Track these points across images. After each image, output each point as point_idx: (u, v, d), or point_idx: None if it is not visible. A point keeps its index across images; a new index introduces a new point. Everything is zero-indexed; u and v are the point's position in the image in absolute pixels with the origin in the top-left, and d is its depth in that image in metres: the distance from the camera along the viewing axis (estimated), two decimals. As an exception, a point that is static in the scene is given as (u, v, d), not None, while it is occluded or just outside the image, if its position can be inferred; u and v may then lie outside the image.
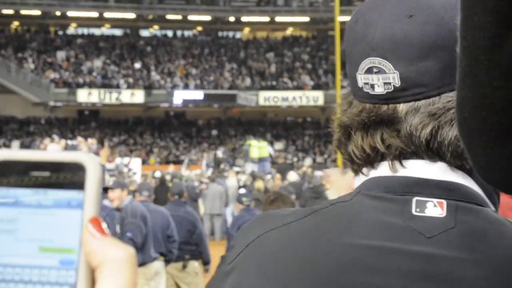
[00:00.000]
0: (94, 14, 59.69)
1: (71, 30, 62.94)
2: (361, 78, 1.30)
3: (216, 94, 54.92)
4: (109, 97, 52.99)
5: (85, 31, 62.97)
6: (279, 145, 51.12)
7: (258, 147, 32.39)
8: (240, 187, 22.51)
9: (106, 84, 54.33)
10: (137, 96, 53.66)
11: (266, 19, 62.83)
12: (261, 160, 32.10)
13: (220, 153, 40.97)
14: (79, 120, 57.02)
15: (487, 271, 1.13)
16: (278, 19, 62.58)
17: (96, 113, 57.71)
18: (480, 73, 0.85)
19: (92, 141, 34.19)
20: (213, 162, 35.52)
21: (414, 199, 1.22)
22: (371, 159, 1.31)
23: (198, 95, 54.44)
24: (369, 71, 1.29)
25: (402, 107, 1.26)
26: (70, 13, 59.23)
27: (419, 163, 1.26)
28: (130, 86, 54.55)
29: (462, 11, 0.87)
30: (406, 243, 1.18)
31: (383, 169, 1.29)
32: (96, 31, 63.16)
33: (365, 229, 1.21)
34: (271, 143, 43.19)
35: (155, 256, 10.39)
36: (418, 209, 1.21)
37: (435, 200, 1.22)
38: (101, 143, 43.85)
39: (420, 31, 1.24)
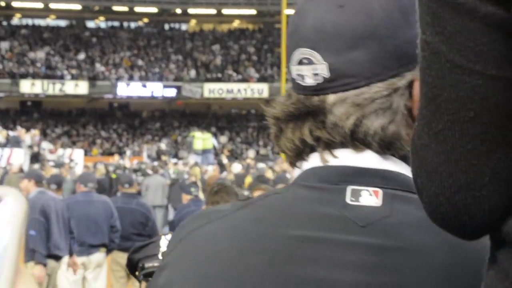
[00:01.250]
0: (39, 4, 59.04)
1: (16, 20, 62.18)
2: (294, 69, 1.29)
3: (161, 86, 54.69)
4: (53, 88, 52.43)
5: (29, 21, 62.19)
6: (223, 138, 51.16)
7: (202, 139, 32.34)
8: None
9: (50, 75, 53.76)
10: (81, 87, 53.18)
11: (212, 11, 62.68)
12: (204, 152, 32.05)
13: (163, 145, 40.91)
14: (21, 111, 56.37)
15: (422, 260, 1.14)
16: (225, 11, 62.44)
17: (39, 104, 57.10)
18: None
19: (35, 132, 33.89)
20: (155, 154, 35.42)
21: (349, 188, 1.21)
22: (302, 151, 1.29)
23: (143, 86, 54.17)
24: (300, 62, 1.27)
25: (331, 98, 1.24)
26: (15, 4, 58.54)
27: (348, 153, 1.25)
28: (74, 77, 54.05)
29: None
30: (340, 233, 1.17)
31: (315, 161, 1.28)
32: (41, 22, 62.45)
33: (299, 220, 1.20)
34: (215, 135, 43.13)
35: (78, 249, 10.27)
36: (353, 198, 1.20)
37: (370, 189, 1.21)
38: (43, 134, 43.48)
39: (349, 21, 1.23)
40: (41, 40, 58.95)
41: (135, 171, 25.47)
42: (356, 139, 1.23)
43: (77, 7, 59.93)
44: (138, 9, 61.38)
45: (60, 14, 61.89)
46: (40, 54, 56.34)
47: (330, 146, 1.26)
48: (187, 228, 1.30)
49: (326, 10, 1.25)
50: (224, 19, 64.43)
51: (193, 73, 57.39)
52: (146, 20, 64.73)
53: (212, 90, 54.64)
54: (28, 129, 37.67)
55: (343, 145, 1.25)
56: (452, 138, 0.95)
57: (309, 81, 1.26)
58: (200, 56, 60.17)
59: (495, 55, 0.92)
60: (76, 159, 31.22)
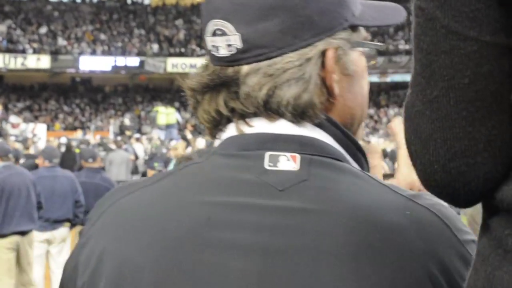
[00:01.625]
0: (-1, -23, 58.22)
1: (-25, -7, 61.31)
2: (209, 41, 1.30)
3: (124, 60, 54.31)
4: (14, 62, 51.78)
5: (-11, -6, 61.37)
6: (187, 114, 50.99)
7: (166, 114, 32.15)
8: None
9: (11, 48, 53.08)
10: (43, 61, 52.56)
11: (175, -15, 62.27)
12: (168, 127, 31.90)
13: (127, 120, 40.63)
14: (-18, 85, 55.73)
15: (337, 222, 1.15)
16: (188, -15, 62.10)
17: (1, 78, 56.43)
18: None
19: (-4, 106, 33.49)
20: (119, 129, 35.19)
21: (267, 153, 1.23)
22: (219, 122, 1.32)
23: (106, 61, 53.80)
24: (214, 33, 1.28)
25: (244, 69, 1.26)
26: (-26, -25, 57.66)
27: (263, 122, 1.27)
28: (36, 51, 53.45)
29: None
30: (258, 197, 1.19)
31: (231, 131, 1.30)
32: (1, -5, 61.66)
33: (218, 186, 1.22)
34: (179, 110, 42.97)
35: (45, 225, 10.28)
36: (271, 164, 1.22)
37: (288, 154, 1.23)
38: (5, 108, 43.01)
39: None
40: (2, 14, 58.17)
41: (99, 145, 25.32)
42: (269, 109, 1.25)
43: (38, -20, 59.17)
44: (100, -18, 60.74)
45: (21, -14, 61.10)
46: (1, 28, 55.61)
47: (244, 116, 1.28)
48: (106, 202, 1.31)
49: None
50: (187, -7, 64.07)
51: (156, 47, 57.03)
52: (108, -7, 64.13)
53: (176, 64, 54.28)
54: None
55: (257, 115, 1.27)
56: (447, 105, 0.95)
57: (223, 52, 1.28)
58: (163, 30, 59.77)
59: (490, 21, 0.92)
60: (39, 134, 30.95)
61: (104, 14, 61.29)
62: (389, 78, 57.39)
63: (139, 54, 55.60)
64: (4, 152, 10.05)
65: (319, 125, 1.27)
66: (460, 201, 1.01)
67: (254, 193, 1.20)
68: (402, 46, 55.75)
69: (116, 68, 54.66)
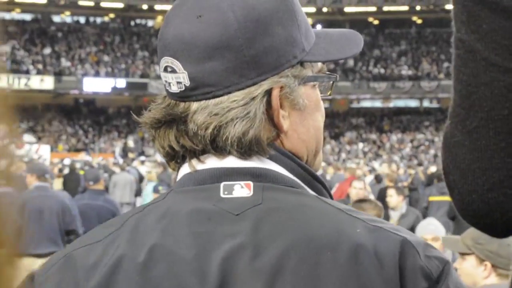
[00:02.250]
0: (4, -3, 58.47)
1: (-20, 13, 61.48)
2: (162, 76, 1.34)
3: (127, 83, 54.42)
4: (18, 83, 51.93)
5: (-6, 14, 61.54)
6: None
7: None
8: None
9: (15, 69, 53.25)
10: (47, 82, 52.74)
11: (179, 8, 62.26)
12: (171, 149, 31.88)
13: (131, 142, 40.64)
14: (-15, 105, 55.66)
15: (291, 242, 1.18)
16: (192, 8, 62.12)
17: (4, 99, 56.47)
18: None
19: (-1, 127, 33.54)
20: (122, 151, 35.20)
21: (222, 183, 1.27)
22: (174, 156, 1.35)
23: (109, 83, 53.90)
24: (165, 69, 1.32)
25: (193, 106, 1.29)
26: (-21, -4, 57.88)
27: (213, 159, 1.30)
28: (39, 72, 53.62)
29: None
30: (216, 225, 1.23)
31: (186, 168, 1.34)
32: (6, 15, 61.80)
33: (176, 220, 1.25)
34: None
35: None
36: (226, 192, 1.26)
37: (242, 183, 1.27)
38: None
39: (205, 31, 1.27)
40: (6, 34, 58.29)
41: (101, 167, 25.34)
42: (216, 147, 1.29)
43: (43, 0, 59.34)
44: (104, 4, 61.03)
45: (25, 7, 61.24)
46: (5, 48, 55.55)
47: (195, 153, 1.32)
48: (61, 252, 1.33)
49: (185, 20, 1.31)
50: (191, 16, 64.11)
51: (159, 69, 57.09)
52: (112, 15, 64.29)
53: (179, 87, 54.28)
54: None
55: (205, 152, 1.31)
56: (486, 136, 0.96)
57: (174, 88, 1.32)
58: (167, 53, 59.82)
59: None
60: (43, 154, 30.99)
61: (107, 36, 61.49)
62: (392, 104, 57.47)
63: (142, 76, 55.72)
64: (42, 172, 9.94)
65: (271, 158, 1.31)
66: (498, 231, 1.02)
67: (211, 220, 1.24)
68: (405, 71, 55.86)
69: (119, 90, 54.71)
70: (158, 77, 54.19)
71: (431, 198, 14.49)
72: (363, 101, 58.40)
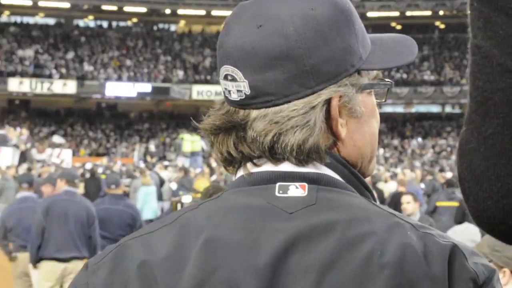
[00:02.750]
0: (28, 2, 58.87)
1: (4, 18, 61.89)
2: (222, 83, 1.37)
3: (150, 87, 54.58)
4: (41, 87, 52.28)
5: (18, 19, 61.94)
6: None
7: (191, 141, 32.25)
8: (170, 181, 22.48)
9: (38, 73, 53.61)
10: (69, 87, 53.02)
11: (202, 12, 62.52)
12: (193, 154, 31.99)
13: (152, 146, 40.69)
14: (9, 110, 56.12)
15: (341, 242, 1.22)
16: (214, 12, 62.24)
17: (27, 103, 56.90)
18: None
19: (22, 131, 33.80)
20: (143, 156, 35.26)
21: (277, 184, 1.31)
22: (231, 161, 1.38)
23: (131, 87, 54.10)
24: (225, 77, 1.35)
25: (253, 114, 1.32)
26: (4, 1, 58.29)
27: (268, 164, 1.34)
28: (62, 76, 53.93)
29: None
30: (269, 221, 1.26)
31: (241, 172, 1.37)
32: (30, 20, 62.25)
33: (229, 215, 1.29)
34: (204, 138, 42.98)
35: None
36: (281, 191, 1.30)
37: (297, 184, 1.30)
38: (30, 133, 43.27)
39: (266, 41, 1.30)
40: (30, 38, 58.74)
41: (122, 172, 25.39)
42: (274, 154, 1.32)
43: (66, 5, 59.76)
44: (127, 8, 61.25)
45: (49, 12, 61.67)
46: (28, 52, 56.15)
47: (251, 159, 1.35)
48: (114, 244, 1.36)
49: (246, 30, 1.33)
50: (213, 21, 64.24)
51: (181, 74, 57.33)
52: (135, 20, 64.60)
53: (201, 92, 54.55)
54: (15, 128, 37.56)
55: (261, 158, 1.34)
56: (502, 142, 0.95)
57: (234, 96, 1.34)
58: (189, 57, 60.11)
59: None
60: (65, 159, 31.13)
61: (130, 40, 61.74)
62: (414, 109, 57.35)
63: (164, 80, 55.90)
64: (71, 177, 10.17)
65: (326, 165, 1.34)
66: None
67: (265, 217, 1.27)
68: (428, 76, 55.69)
69: (141, 95, 54.92)
70: (180, 82, 54.51)
71: (438, 203, 14.63)
72: (385, 106, 58.32)
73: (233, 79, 1.33)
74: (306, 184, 1.30)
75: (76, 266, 9.61)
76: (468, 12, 1.01)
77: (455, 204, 14.23)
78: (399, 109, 57.67)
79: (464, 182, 1.02)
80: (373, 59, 1.40)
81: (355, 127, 1.37)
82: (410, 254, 1.21)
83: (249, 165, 1.35)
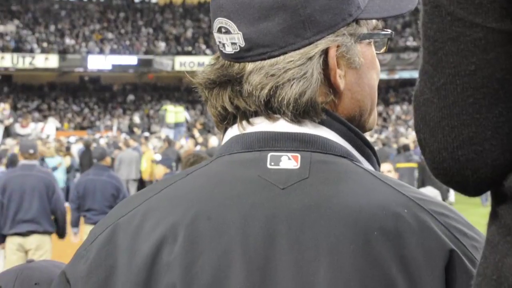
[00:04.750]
0: (7, -24, 58.32)
1: (-17, -7, 61.36)
2: (216, 37, 1.34)
3: (132, 59, 54.35)
4: (22, 62, 51.89)
5: (-3, -6, 61.42)
6: (195, 112, 51.00)
7: (174, 112, 32.14)
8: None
9: (19, 48, 53.21)
10: (51, 61, 52.61)
11: (182, -17, 62.16)
12: (177, 125, 31.90)
13: (137, 118, 40.57)
14: (-9, 85, 55.78)
15: (336, 219, 1.18)
16: (195, -17, 62.01)
17: (9, 78, 56.50)
18: None
19: (5, 106, 33.57)
20: (128, 128, 35.16)
21: (269, 154, 1.27)
22: (225, 117, 1.35)
23: (113, 60, 53.84)
24: (219, 30, 1.31)
25: (249, 67, 1.29)
26: (-18, -25, 57.75)
27: (264, 121, 1.30)
28: (44, 51, 53.56)
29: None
30: (260, 197, 1.22)
31: (235, 130, 1.34)
32: (9, -6, 61.71)
33: (220, 188, 1.25)
34: (187, 109, 42.93)
35: None
36: (272, 163, 1.26)
37: (289, 154, 1.26)
38: (14, 108, 43.05)
39: None
40: (10, 13, 58.26)
41: (108, 145, 25.36)
42: (270, 108, 1.29)
43: (46, -21, 59.18)
44: (107, -19, 60.73)
45: (28, -14, 61.14)
46: (9, 27, 55.69)
47: (247, 114, 1.32)
48: (111, 217, 1.33)
49: None
50: (194, -8, 64.02)
51: (163, 46, 57.07)
52: (115, -8, 64.15)
53: (183, 63, 54.26)
54: (-2, 103, 37.35)
55: (257, 114, 1.31)
56: (454, 92, 0.95)
57: (229, 49, 1.31)
58: (171, 29, 59.80)
59: (496, 7, 0.92)
60: (49, 133, 31.02)
61: (111, 13, 61.35)
62: (398, 75, 57.27)
63: (146, 52, 55.64)
64: (25, 149, 9.97)
65: (322, 123, 1.30)
66: (469, 189, 1.01)
67: (256, 191, 1.23)
68: (410, 42, 55.66)
69: (124, 67, 54.69)
70: (163, 54, 54.21)
71: (398, 165, 15.78)
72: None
73: (227, 32, 1.30)
74: (298, 155, 1.26)
75: (37, 240, 9.65)
76: None
77: (412, 165, 16.11)
78: (383, 75, 57.53)
79: (419, 133, 1.03)
80: (371, 8, 1.36)
81: (353, 78, 1.34)
82: (404, 225, 1.18)
83: (244, 123, 1.32)
